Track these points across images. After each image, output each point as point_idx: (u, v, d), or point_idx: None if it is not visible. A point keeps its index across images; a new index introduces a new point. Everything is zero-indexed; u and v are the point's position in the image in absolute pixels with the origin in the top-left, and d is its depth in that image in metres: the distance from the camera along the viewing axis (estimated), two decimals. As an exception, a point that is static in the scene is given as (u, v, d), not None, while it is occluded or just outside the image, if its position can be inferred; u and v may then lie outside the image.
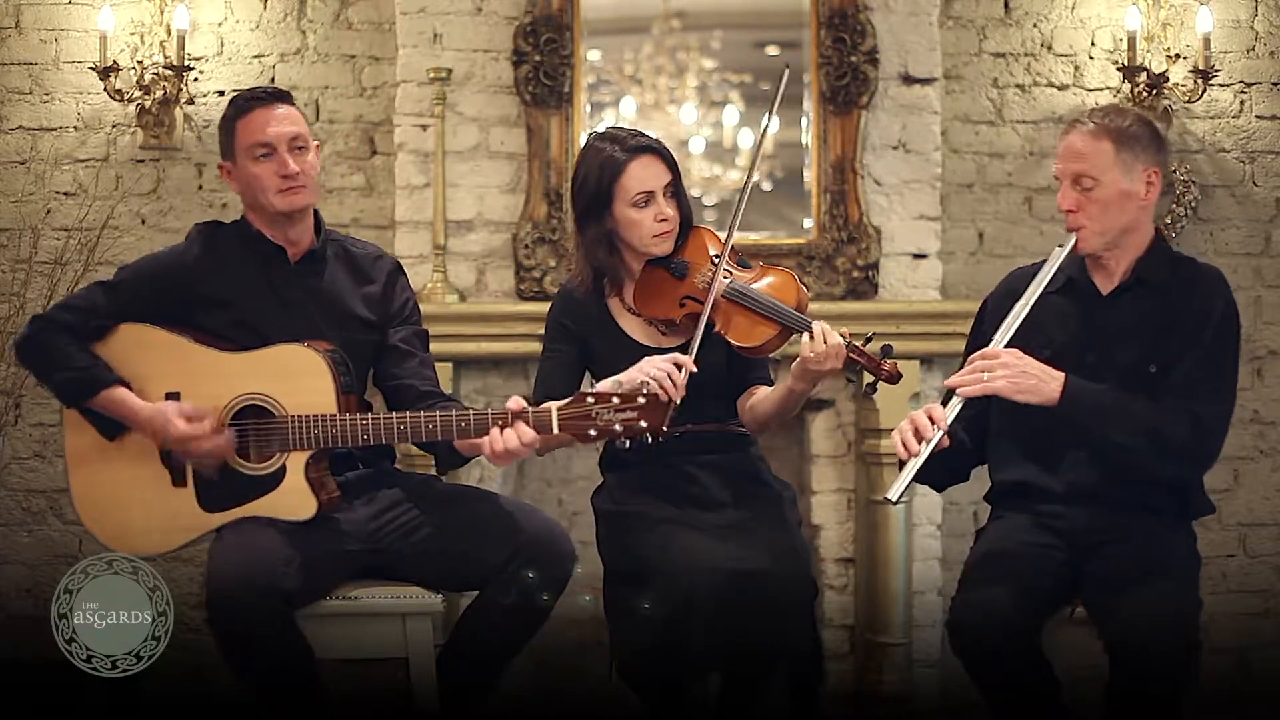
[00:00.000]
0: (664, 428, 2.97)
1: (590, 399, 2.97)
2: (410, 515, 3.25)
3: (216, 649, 3.05)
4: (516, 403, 3.06)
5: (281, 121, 3.25)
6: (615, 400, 2.96)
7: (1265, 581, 4.83)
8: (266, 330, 3.22)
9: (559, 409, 3.00)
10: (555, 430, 3.01)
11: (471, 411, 3.09)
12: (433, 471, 3.52)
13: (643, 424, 2.95)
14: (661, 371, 3.13)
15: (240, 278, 3.26)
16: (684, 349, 3.23)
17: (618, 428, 2.95)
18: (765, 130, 3.43)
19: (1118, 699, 2.94)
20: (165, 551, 3.23)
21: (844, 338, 3.17)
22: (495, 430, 3.04)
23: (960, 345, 4.22)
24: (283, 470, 3.15)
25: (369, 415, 3.13)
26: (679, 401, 3.11)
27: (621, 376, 3.21)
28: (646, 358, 3.20)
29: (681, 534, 3.20)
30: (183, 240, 3.37)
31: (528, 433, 3.02)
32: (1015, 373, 3.04)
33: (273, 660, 3.03)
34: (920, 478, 3.16)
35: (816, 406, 4.56)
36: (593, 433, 2.97)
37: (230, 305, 3.24)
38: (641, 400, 2.95)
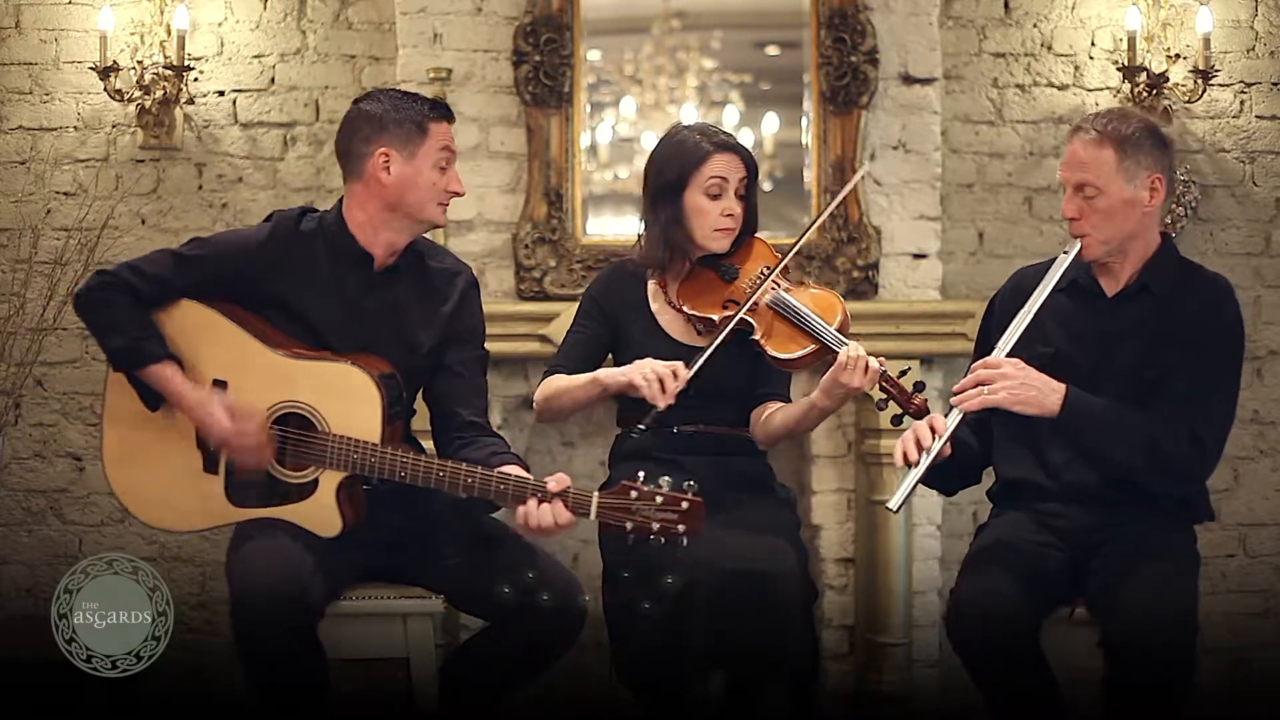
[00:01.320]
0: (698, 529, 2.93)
1: (634, 493, 2.94)
2: (434, 534, 3.21)
3: (238, 658, 3.01)
4: (559, 482, 3.00)
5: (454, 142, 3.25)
6: (658, 500, 2.92)
7: (1265, 581, 4.83)
8: (328, 337, 3.18)
9: (600, 496, 2.97)
10: (593, 517, 2.97)
11: (513, 479, 3.03)
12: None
13: (680, 528, 2.92)
14: (654, 374, 3.14)
15: (315, 282, 3.19)
16: (704, 349, 3.25)
17: (655, 526, 2.92)
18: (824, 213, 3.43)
19: (1117, 698, 2.94)
20: (181, 530, 3.20)
21: (881, 365, 3.18)
22: (532, 504, 2.99)
23: (960, 345, 4.22)
24: (315, 484, 3.11)
25: (409, 455, 3.08)
26: (663, 408, 3.14)
27: (617, 371, 3.24)
28: (648, 357, 3.21)
29: (682, 534, 3.20)
30: (262, 222, 3.28)
31: (564, 515, 2.98)
32: (1015, 384, 3.03)
33: (293, 670, 3.01)
34: (930, 483, 3.16)
35: (817, 406, 4.56)
36: (629, 525, 2.93)
37: (298, 309, 3.18)
38: (685, 505, 2.92)
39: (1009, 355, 3.07)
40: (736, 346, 3.28)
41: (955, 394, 3.07)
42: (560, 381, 3.35)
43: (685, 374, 3.16)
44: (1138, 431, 3.04)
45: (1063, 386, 3.04)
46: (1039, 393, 3.03)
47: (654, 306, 3.42)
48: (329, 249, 3.21)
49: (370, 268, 3.22)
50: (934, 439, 3.02)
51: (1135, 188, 3.10)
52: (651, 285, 3.44)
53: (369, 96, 3.27)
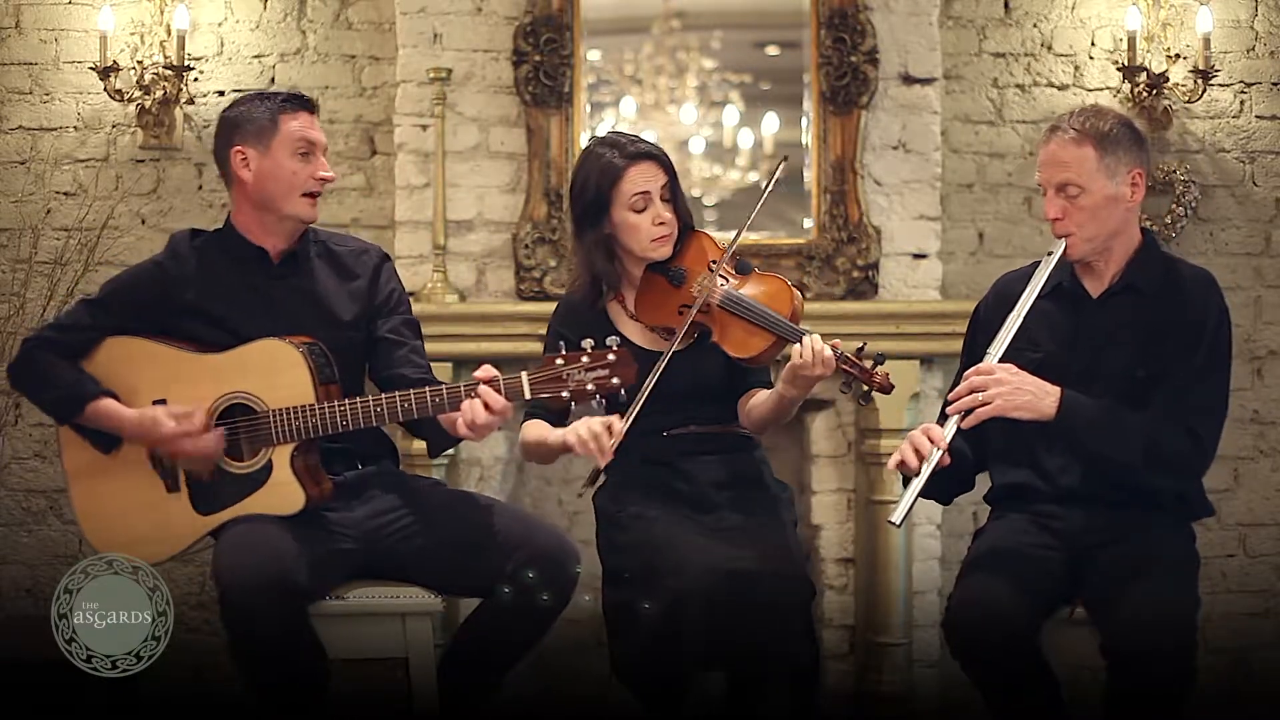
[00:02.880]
0: (633, 381, 2.95)
1: (559, 360, 2.95)
2: (410, 520, 3.24)
3: (229, 648, 3.04)
4: (486, 371, 3.04)
5: (320, 130, 3.30)
6: (584, 360, 2.93)
7: (1265, 581, 4.82)
8: (251, 334, 3.22)
9: (529, 374, 2.98)
10: (528, 395, 2.99)
11: (444, 386, 3.09)
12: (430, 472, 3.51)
13: (615, 380, 2.92)
14: (589, 434, 3.10)
15: (222, 283, 3.27)
16: (677, 352, 3.25)
17: (590, 387, 2.93)
18: (770, 184, 3.41)
19: (1117, 700, 2.94)
20: (166, 559, 3.24)
21: (834, 349, 3.18)
22: (466, 404, 3.02)
23: (960, 345, 4.23)
24: (269, 465, 3.15)
25: (345, 401, 3.12)
26: (603, 466, 3.12)
27: (559, 431, 3.24)
28: (582, 419, 3.17)
29: (679, 534, 3.20)
30: (163, 249, 3.37)
31: (495, 399, 2.99)
32: (1010, 389, 3.02)
33: (289, 656, 3.03)
34: (927, 494, 3.15)
35: (817, 406, 4.56)
36: (566, 394, 2.94)
37: (213, 311, 3.24)
38: (611, 357, 2.93)
39: (1000, 361, 3.07)
40: (704, 344, 3.29)
41: (949, 403, 3.07)
42: (531, 433, 3.35)
43: (620, 426, 3.10)
44: (1135, 432, 3.03)
45: (1057, 390, 3.03)
46: (1034, 397, 3.03)
47: (618, 322, 3.41)
48: (225, 254, 3.31)
49: (268, 262, 3.31)
50: (932, 449, 3.01)
51: (1117, 184, 3.10)
52: (611, 303, 3.43)
53: (230, 105, 3.35)
